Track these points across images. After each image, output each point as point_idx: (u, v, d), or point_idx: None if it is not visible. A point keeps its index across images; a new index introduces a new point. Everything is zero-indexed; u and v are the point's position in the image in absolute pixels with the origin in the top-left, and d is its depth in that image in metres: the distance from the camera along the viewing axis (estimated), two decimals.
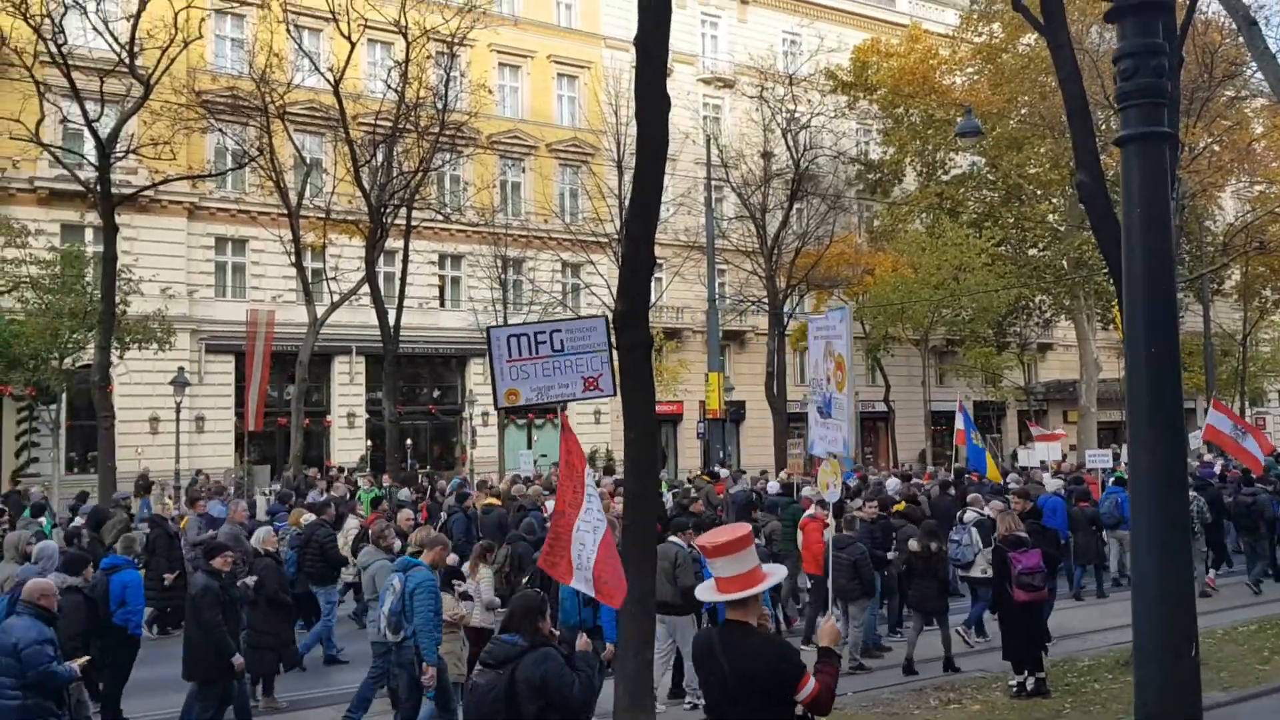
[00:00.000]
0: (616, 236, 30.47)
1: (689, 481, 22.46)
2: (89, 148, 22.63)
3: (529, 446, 37.35)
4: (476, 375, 36.59)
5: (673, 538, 10.51)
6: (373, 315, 26.79)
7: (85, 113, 20.66)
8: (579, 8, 39.72)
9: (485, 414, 35.61)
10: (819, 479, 11.38)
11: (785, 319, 33.27)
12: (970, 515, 13.50)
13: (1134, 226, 3.73)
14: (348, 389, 34.31)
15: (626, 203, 29.30)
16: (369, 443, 33.53)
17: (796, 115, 32.17)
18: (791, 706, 4.40)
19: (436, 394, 37.16)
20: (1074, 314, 39.23)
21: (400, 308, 27.05)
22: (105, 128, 21.31)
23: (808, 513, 13.10)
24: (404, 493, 20.06)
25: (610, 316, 8.42)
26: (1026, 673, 10.21)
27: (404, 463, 29.35)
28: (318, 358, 29.62)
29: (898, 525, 12.84)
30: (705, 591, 4.79)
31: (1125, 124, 3.79)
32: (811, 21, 42.57)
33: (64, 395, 26.60)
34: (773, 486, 19.15)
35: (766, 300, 33.01)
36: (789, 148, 31.83)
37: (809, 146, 32.00)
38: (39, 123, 20.90)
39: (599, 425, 38.72)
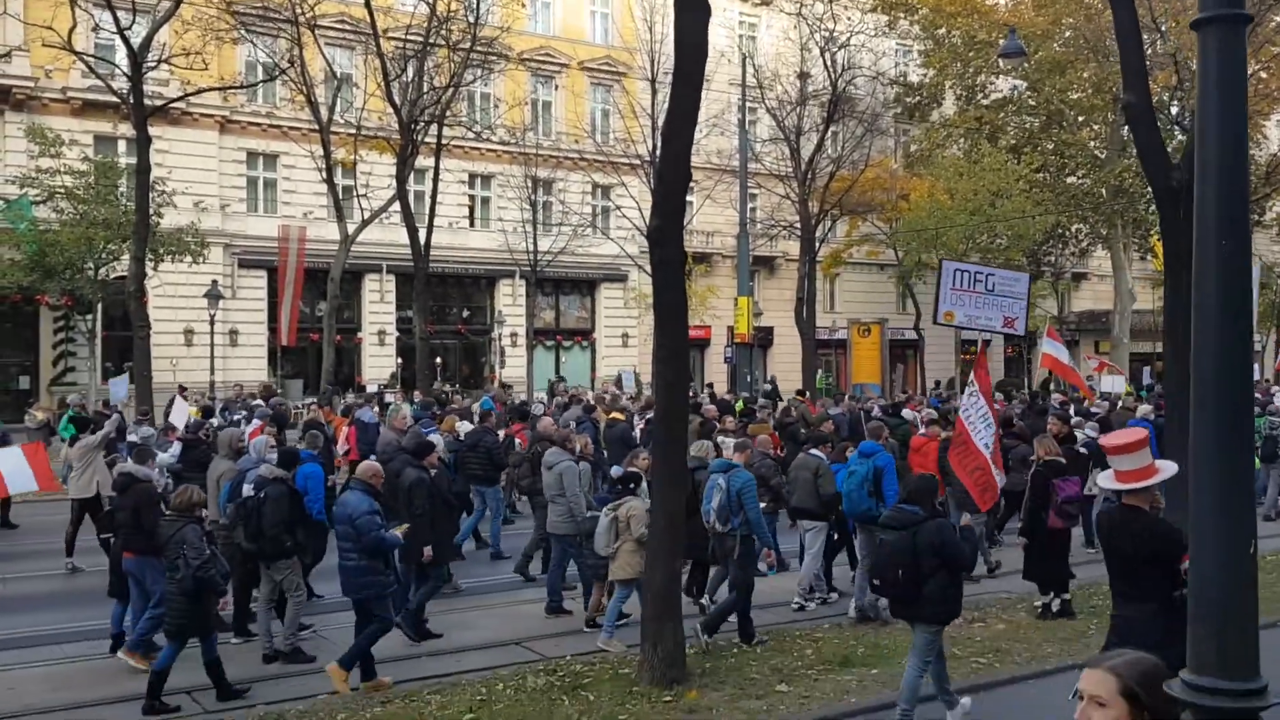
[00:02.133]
0: (649, 158, 30.12)
1: (787, 399, 22.98)
2: (120, 57, 22.51)
3: (557, 369, 37.57)
4: (505, 296, 36.64)
5: (813, 450, 11.19)
6: (403, 234, 26.74)
7: (117, 20, 20.53)
8: None
9: (514, 334, 35.71)
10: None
11: (817, 245, 32.93)
12: (1081, 436, 13.44)
13: (1209, 113, 3.64)
14: (378, 307, 34.47)
15: (660, 123, 28.94)
16: (399, 360, 33.77)
17: (835, 34, 31.42)
18: (1177, 573, 5.46)
19: (466, 314, 37.28)
20: (1111, 243, 38.60)
21: (431, 226, 26.98)
22: (137, 37, 21.19)
23: (920, 433, 13.48)
24: (537, 406, 20.43)
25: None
26: (1052, 594, 10.26)
27: (434, 381, 29.55)
28: (349, 275, 29.72)
29: (1010, 445, 12.69)
30: (1106, 480, 5.92)
31: (1203, 6, 3.72)
32: None
33: (99, 305, 26.89)
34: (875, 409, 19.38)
35: (799, 225, 32.65)
36: (826, 68, 31.14)
37: (847, 66, 31.27)
38: (71, 30, 20.79)
39: (627, 349, 38.81)
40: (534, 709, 7.55)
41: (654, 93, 29.87)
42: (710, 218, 37.52)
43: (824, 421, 15.35)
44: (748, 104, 30.49)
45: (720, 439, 12.60)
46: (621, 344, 38.97)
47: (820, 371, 37.05)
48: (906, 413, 16.84)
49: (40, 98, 28.33)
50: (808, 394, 22.07)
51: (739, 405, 19.98)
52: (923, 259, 37.09)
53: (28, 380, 28.93)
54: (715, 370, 38.90)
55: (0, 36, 27.90)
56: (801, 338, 32.62)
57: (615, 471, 10.59)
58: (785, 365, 39.20)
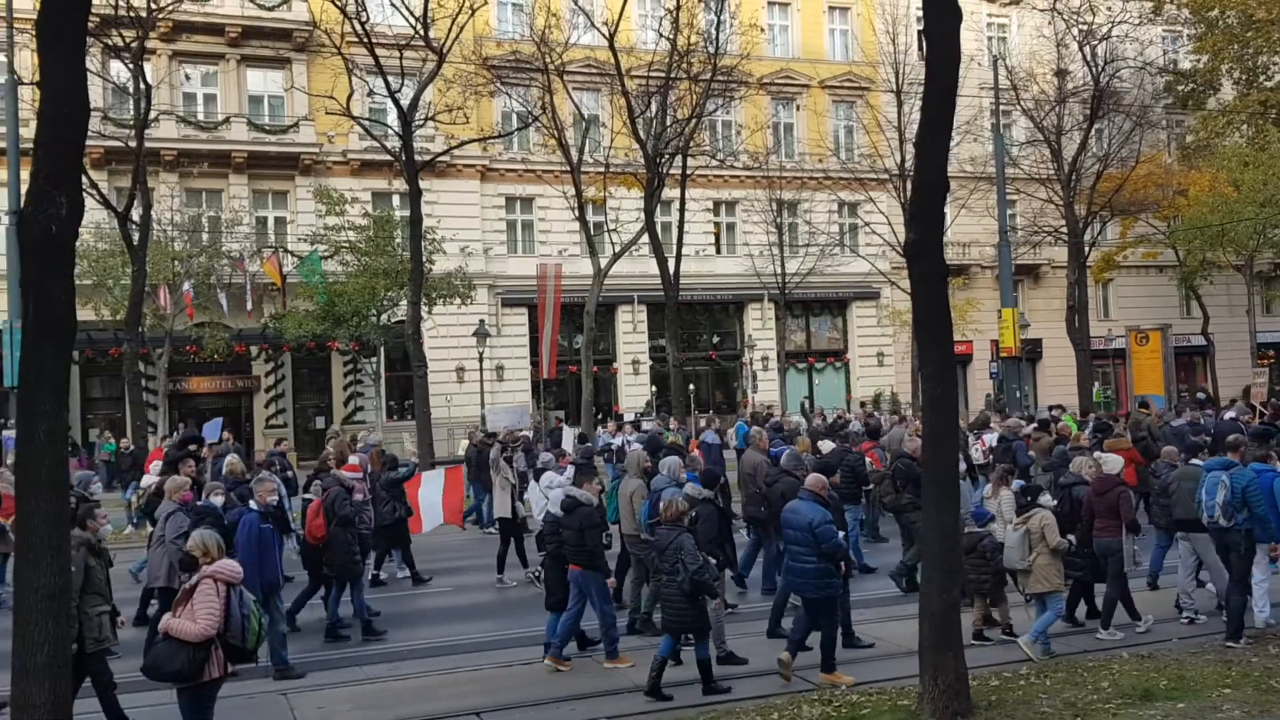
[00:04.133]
0: (897, 171, 29.40)
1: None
2: (392, 118, 24.36)
3: (810, 391, 37.14)
4: (754, 320, 36.65)
5: (1194, 460, 11.01)
6: (651, 265, 27.30)
7: (388, 84, 22.25)
8: None
9: (765, 358, 35.64)
10: None
11: (1086, 249, 30.98)
12: None
13: None
14: (631, 337, 35.33)
15: (907, 134, 28.22)
16: (653, 388, 34.42)
17: (1094, 27, 29.59)
18: None
19: (716, 340, 37.57)
20: None
21: (679, 255, 27.43)
22: (405, 99, 22.88)
23: None
24: (855, 425, 20.70)
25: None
26: None
27: (690, 407, 29.89)
28: (602, 308, 30.64)
29: None
30: None
31: None
32: None
33: (382, 349, 29.04)
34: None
35: (1064, 229, 30.84)
36: (1087, 62, 29.36)
37: (1109, 60, 29.34)
38: (349, 97, 22.73)
39: (882, 368, 37.88)
40: None
41: (899, 104, 29.18)
42: (966, 228, 36.08)
43: (1198, 433, 14.83)
44: (1001, 106, 29.19)
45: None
46: (877, 363, 38.07)
47: (1097, 384, 34.72)
48: None
49: (324, 161, 31.12)
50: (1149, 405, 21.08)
51: (1069, 420, 19.47)
52: (1208, 257, 34.16)
53: (323, 420, 31.58)
54: (978, 387, 37.26)
55: (289, 109, 30.96)
56: (1074, 349, 30.73)
57: (1015, 485, 10.89)
58: (1056, 378, 37.00)
